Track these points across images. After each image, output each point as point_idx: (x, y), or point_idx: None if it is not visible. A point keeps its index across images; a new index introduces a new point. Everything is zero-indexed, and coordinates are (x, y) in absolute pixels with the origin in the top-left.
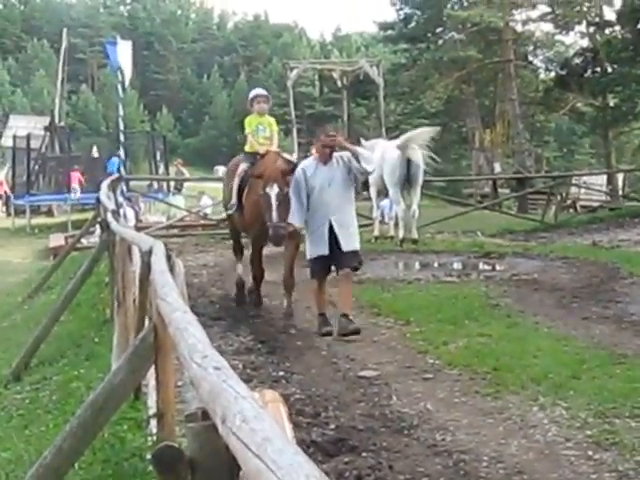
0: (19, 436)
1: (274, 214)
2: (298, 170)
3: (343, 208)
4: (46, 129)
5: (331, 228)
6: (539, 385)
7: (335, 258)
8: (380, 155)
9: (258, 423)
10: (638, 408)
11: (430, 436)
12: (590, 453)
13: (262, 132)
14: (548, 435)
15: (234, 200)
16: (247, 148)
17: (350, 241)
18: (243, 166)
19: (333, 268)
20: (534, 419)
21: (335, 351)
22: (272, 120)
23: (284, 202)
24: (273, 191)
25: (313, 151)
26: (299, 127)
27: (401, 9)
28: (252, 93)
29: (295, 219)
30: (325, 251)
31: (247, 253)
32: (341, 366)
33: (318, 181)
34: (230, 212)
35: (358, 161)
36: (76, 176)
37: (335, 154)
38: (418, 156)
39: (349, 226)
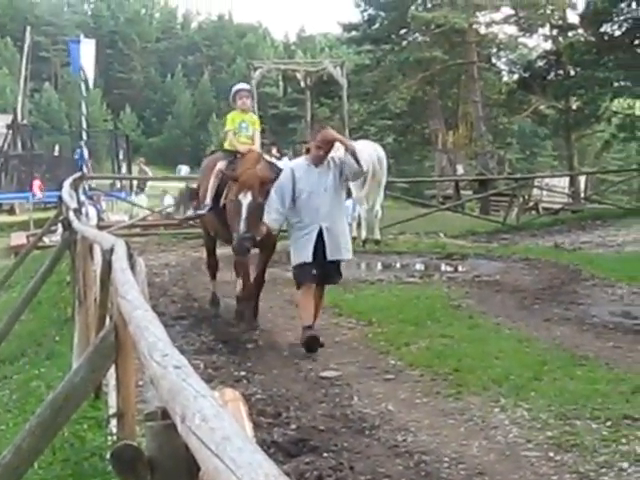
0: None
1: (242, 224)
2: (286, 170)
3: (334, 215)
4: (8, 127)
5: (320, 235)
6: (500, 386)
7: (319, 267)
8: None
9: (217, 422)
10: (599, 410)
11: (391, 437)
12: (551, 454)
13: (245, 131)
14: (509, 436)
15: (208, 200)
16: (226, 145)
17: (336, 251)
18: (221, 165)
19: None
20: (495, 420)
21: (297, 351)
22: (255, 118)
23: (256, 212)
24: (246, 199)
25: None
26: (263, 127)
27: (365, 10)
28: (235, 88)
29: (271, 220)
30: (308, 258)
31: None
32: (302, 366)
33: (308, 184)
34: (202, 212)
35: (356, 160)
36: (37, 183)
37: (328, 156)
38: (382, 156)
39: (339, 234)
